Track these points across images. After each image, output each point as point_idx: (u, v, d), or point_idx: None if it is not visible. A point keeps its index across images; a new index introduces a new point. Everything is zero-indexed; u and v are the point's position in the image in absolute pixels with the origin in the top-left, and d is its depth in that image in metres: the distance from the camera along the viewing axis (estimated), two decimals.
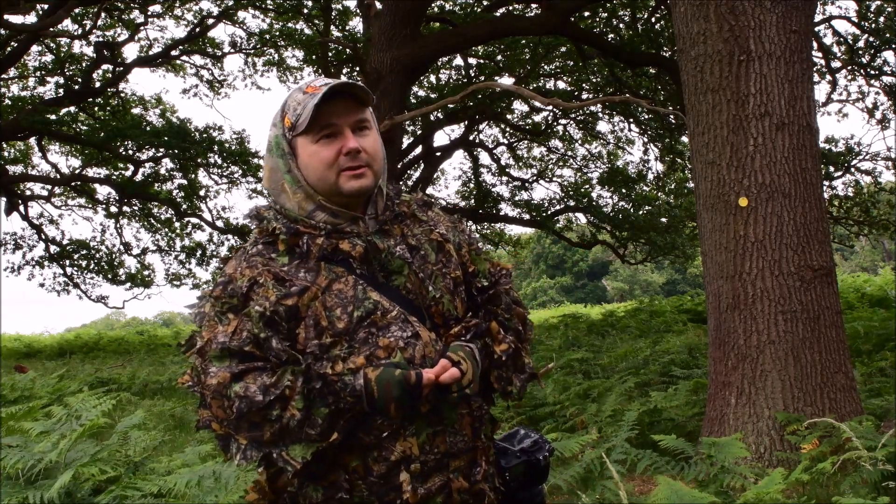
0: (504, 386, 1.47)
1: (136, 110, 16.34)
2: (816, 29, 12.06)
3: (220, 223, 16.41)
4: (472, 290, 1.52)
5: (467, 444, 1.41)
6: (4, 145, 15.55)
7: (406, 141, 14.72)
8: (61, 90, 15.17)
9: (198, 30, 15.03)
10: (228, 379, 1.31)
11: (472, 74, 15.33)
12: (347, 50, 12.50)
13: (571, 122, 17.10)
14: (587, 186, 17.97)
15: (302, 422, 1.29)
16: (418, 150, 16.01)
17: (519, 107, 16.57)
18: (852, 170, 14.11)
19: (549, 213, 17.46)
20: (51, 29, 12.82)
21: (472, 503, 1.42)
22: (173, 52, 15.75)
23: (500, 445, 1.51)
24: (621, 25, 13.52)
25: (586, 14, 12.98)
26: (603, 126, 22.01)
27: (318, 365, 1.33)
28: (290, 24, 14.38)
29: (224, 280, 1.39)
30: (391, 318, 1.38)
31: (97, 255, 16.99)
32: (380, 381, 1.30)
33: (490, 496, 1.46)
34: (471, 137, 17.59)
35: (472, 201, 17.11)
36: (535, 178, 18.36)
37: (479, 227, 17.93)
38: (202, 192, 16.35)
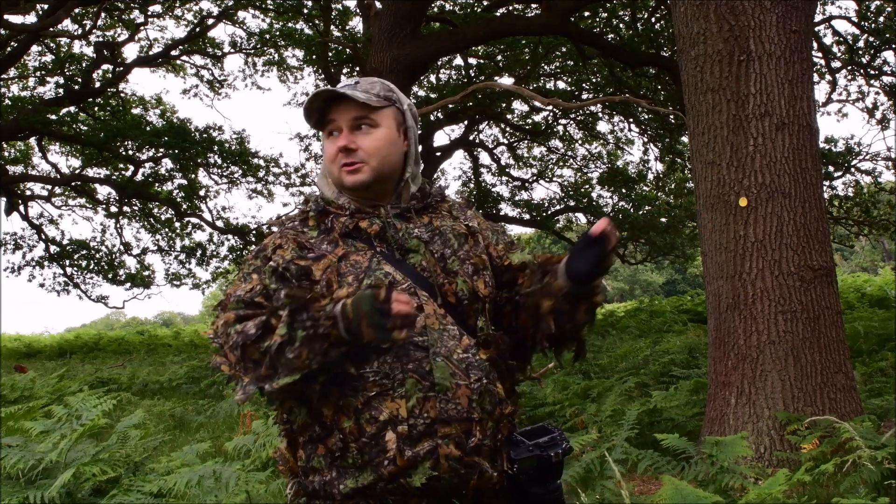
0: (580, 319, 1.51)
1: (136, 110, 16.34)
2: (816, 29, 12.06)
3: (220, 223, 16.41)
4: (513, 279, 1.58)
5: (460, 414, 1.42)
6: (4, 145, 15.54)
7: None
8: (61, 90, 15.17)
9: (198, 30, 15.04)
10: (232, 319, 1.41)
11: (472, 74, 15.32)
12: (347, 50, 12.51)
13: (571, 122, 17.10)
14: (587, 186, 17.97)
15: (283, 345, 1.34)
16: (419, 150, 15.98)
17: (519, 107, 16.59)
18: (852, 170, 14.11)
19: (549, 213, 17.45)
20: (51, 29, 12.82)
21: (464, 474, 1.43)
22: (173, 52, 15.76)
23: (515, 438, 1.51)
24: (621, 25, 13.52)
25: (586, 14, 12.97)
26: (603, 126, 22.00)
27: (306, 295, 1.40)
28: (290, 24, 14.39)
29: (258, 248, 1.54)
30: (401, 289, 1.44)
31: (97, 255, 16.99)
32: (353, 302, 1.33)
33: (488, 472, 1.45)
34: (471, 137, 17.59)
35: (473, 201, 17.11)
36: (535, 178, 18.36)
37: None
38: (202, 192, 16.36)
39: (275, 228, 1.59)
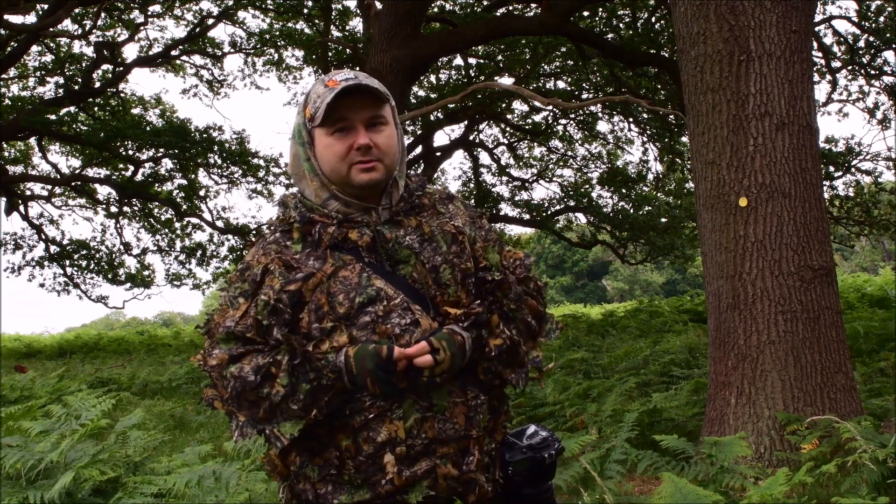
0: (491, 379, 1.48)
1: (136, 110, 16.33)
2: (816, 29, 12.06)
3: (220, 223, 16.40)
4: (484, 283, 1.52)
5: (458, 433, 1.42)
6: (4, 145, 15.54)
7: (406, 141, 14.70)
8: (61, 90, 15.17)
9: (198, 30, 15.03)
10: (227, 360, 1.41)
11: (472, 74, 15.33)
12: (347, 50, 12.51)
13: (571, 122, 17.10)
14: (587, 186, 17.97)
15: (286, 397, 1.36)
16: (418, 150, 16.02)
17: (519, 107, 16.59)
18: (852, 170, 14.11)
19: (549, 213, 17.45)
20: (51, 29, 12.82)
21: (461, 491, 1.43)
22: (173, 52, 15.75)
23: (508, 440, 1.51)
24: (621, 25, 13.53)
25: (586, 14, 12.98)
26: (603, 126, 22.06)
27: (306, 345, 1.39)
28: (290, 24, 14.38)
29: (242, 267, 1.49)
30: (393, 305, 1.42)
31: (97, 256, 16.98)
32: (356, 356, 1.36)
33: (484, 487, 1.46)
34: (471, 137, 17.59)
35: (472, 201, 17.11)
36: (535, 178, 18.37)
37: None
38: (202, 192, 16.36)
39: (264, 229, 1.55)
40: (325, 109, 1.42)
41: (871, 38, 12.68)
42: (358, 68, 10.95)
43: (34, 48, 14.68)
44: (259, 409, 1.39)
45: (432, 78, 15.47)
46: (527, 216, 17.62)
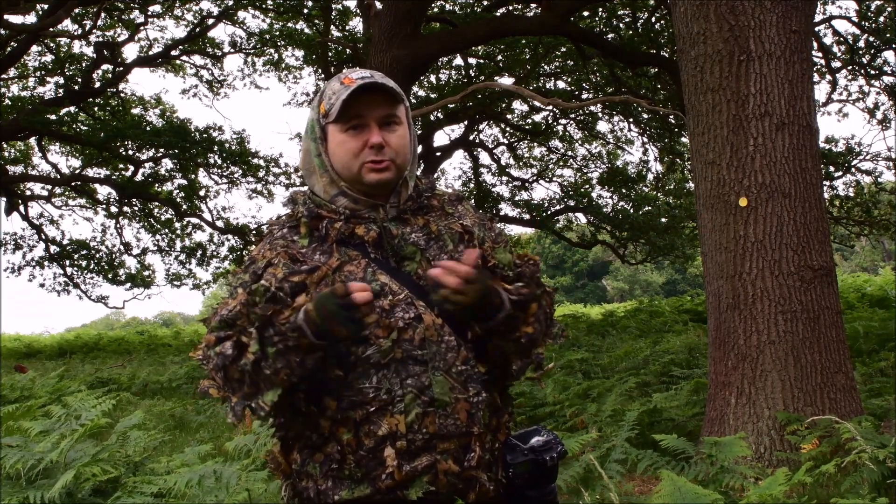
0: (495, 355, 1.48)
1: (136, 110, 16.34)
2: (816, 29, 12.06)
3: (220, 223, 16.41)
4: (503, 280, 1.52)
5: (459, 429, 1.42)
6: (4, 145, 15.55)
7: None
8: (61, 90, 15.17)
9: (198, 30, 15.03)
10: (213, 341, 1.41)
11: (472, 74, 15.33)
12: (347, 50, 12.52)
13: (571, 122, 17.10)
14: (587, 186, 17.98)
15: (258, 362, 1.36)
16: (418, 150, 16.00)
17: (519, 107, 16.60)
18: (852, 170, 14.11)
19: (549, 213, 17.46)
20: (51, 29, 12.82)
21: (462, 488, 1.43)
22: (173, 52, 15.75)
23: (511, 441, 1.51)
24: (621, 25, 13.53)
25: (586, 14, 12.98)
26: (603, 126, 22.04)
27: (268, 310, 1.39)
28: (290, 24, 14.38)
29: (248, 261, 1.49)
30: (397, 300, 1.42)
31: (97, 256, 16.99)
32: (315, 305, 1.33)
33: (486, 485, 1.46)
34: (471, 137, 17.60)
35: (473, 201, 17.10)
36: (535, 178, 18.38)
37: None
38: (202, 192, 16.36)
39: (265, 229, 1.56)
40: (341, 106, 1.43)
41: (871, 38, 12.69)
42: (358, 69, 10.94)
43: (34, 48, 14.68)
44: (244, 385, 1.39)
45: (432, 78, 15.47)
46: (527, 216, 17.63)
